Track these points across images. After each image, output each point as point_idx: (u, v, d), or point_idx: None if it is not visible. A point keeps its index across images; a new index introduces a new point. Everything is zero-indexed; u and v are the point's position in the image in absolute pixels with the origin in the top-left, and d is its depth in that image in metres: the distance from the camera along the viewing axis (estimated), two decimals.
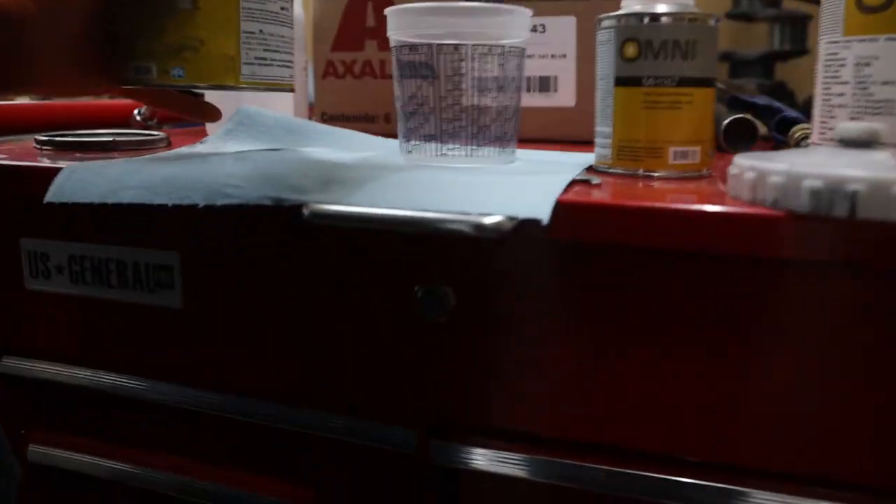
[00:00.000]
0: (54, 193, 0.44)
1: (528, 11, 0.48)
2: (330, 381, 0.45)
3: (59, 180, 0.44)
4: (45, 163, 0.47)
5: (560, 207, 0.35)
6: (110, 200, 0.42)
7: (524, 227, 0.34)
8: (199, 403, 0.48)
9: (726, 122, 0.61)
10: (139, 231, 0.48)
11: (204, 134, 0.65)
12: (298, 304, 0.45)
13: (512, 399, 0.41)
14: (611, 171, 0.45)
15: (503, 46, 0.46)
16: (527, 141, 0.69)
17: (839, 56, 0.44)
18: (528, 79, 0.68)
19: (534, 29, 0.67)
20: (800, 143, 0.57)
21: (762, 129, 0.65)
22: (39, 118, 0.69)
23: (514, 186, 0.38)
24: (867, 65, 0.43)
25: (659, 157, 0.43)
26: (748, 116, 0.61)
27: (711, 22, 0.43)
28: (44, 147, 0.56)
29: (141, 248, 0.47)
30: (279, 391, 0.47)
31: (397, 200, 0.37)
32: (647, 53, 0.42)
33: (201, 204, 0.40)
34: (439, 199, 0.37)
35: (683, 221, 0.34)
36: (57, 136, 0.58)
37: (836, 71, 0.44)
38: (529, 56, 0.68)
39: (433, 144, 0.48)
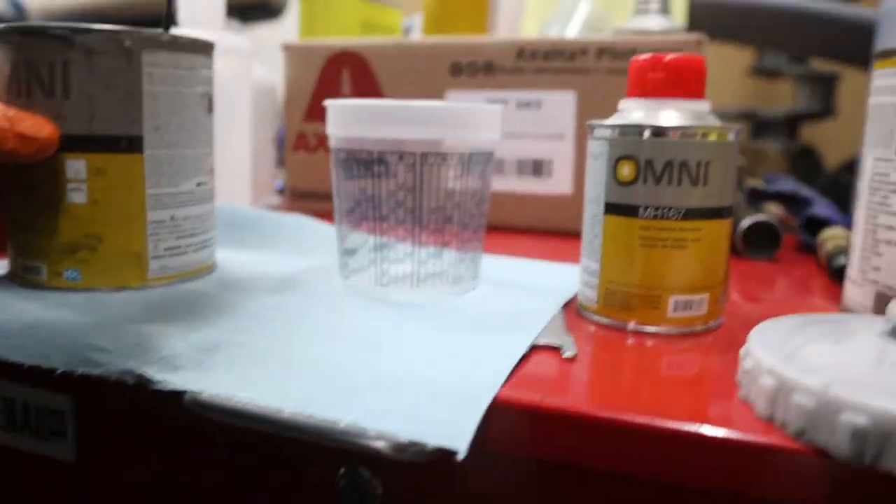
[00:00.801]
0: None
1: (498, 108, 0.39)
2: None
3: None
4: None
5: (491, 414, 0.26)
6: None
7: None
8: None
9: (745, 225, 0.52)
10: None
11: None
12: (194, 484, 0.36)
13: None
14: (595, 318, 0.36)
15: (463, 155, 0.38)
16: (519, 230, 0.61)
17: (890, 179, 0.35)
18: (520, 162, 0.60)
19: (527, 105, 0.59)
20: (832, 259, 0.47)
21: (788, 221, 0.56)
22: None
23: (441, 373, 0.29)
24: None
25: (655, 307, 0.34)
26: (770, 220, 0.52)
27: (731, 136, 0.34)
28: None
29: (30, 387, 0.39)
30: None
31: (288, 390, 0.28)
32: (646, 176, 0.34)
33: (60, 370, 0.32)
34: (345, 397, 0.28)
35: (662, 446, 0.25)
36: None
37: (885, 197, 0.36)
38: (521, 136, 0.59)
39: (372, 271, 0.39)
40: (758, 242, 0.53)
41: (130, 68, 0.34)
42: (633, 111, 0.35)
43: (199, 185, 0.38)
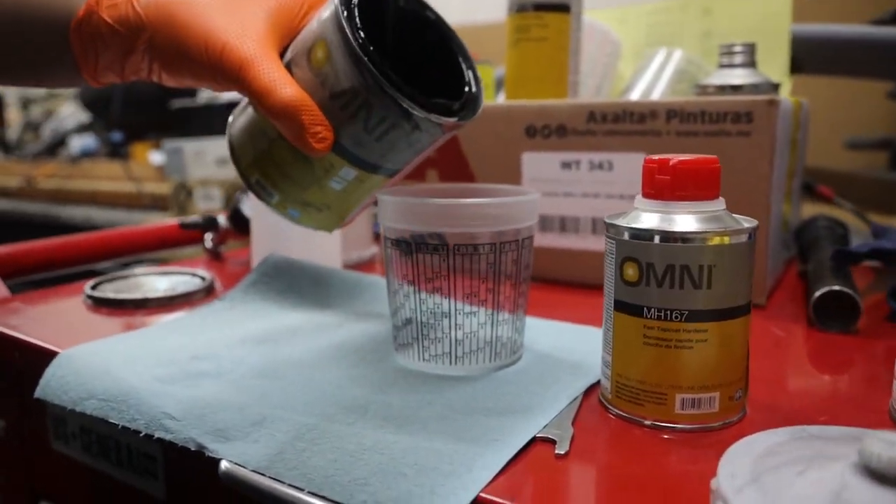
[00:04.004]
0: (42, 390, 0.44)
1: (535, 196, 0.42)
2: None
3: (47, 375, 0.44)
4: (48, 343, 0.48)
5: None
6: (78, 409, 0.42)
7: None
8: None
9: (816, 295, 0.50)
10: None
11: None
12: None
13: None
14: (611, 409, 0.37)
15: (494, 244, 0.40)
16: (596, 286, 0.61)
17: None
18: (594, 220, 0.61)
19: (600, 166, 0.60)
20: None
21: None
22: (110, 245, 0.74)
23: (444, 462, 0.32)
24: None
25: (662, 403, 0.35)
26: (846, 290, 0.49)
27: (736, 239, 0.34)
28: (87, 299, 0.58)
29: (128, 432, 0.47)
30: None
31: (309, 470, 0.33)
32: (649, 278, 0.35)
33: (143, 433, 0.38)
34: (356, 479, 0.32)
35: None
36: (105, 280, 0.62)
37: None
38: (595, 196, 0.61)
39: (416, 347, 0.43)
40: (835, 312, 0.50)
41: (432, 141, 0.40)
42: (643, 212, 0.36)
43: None
